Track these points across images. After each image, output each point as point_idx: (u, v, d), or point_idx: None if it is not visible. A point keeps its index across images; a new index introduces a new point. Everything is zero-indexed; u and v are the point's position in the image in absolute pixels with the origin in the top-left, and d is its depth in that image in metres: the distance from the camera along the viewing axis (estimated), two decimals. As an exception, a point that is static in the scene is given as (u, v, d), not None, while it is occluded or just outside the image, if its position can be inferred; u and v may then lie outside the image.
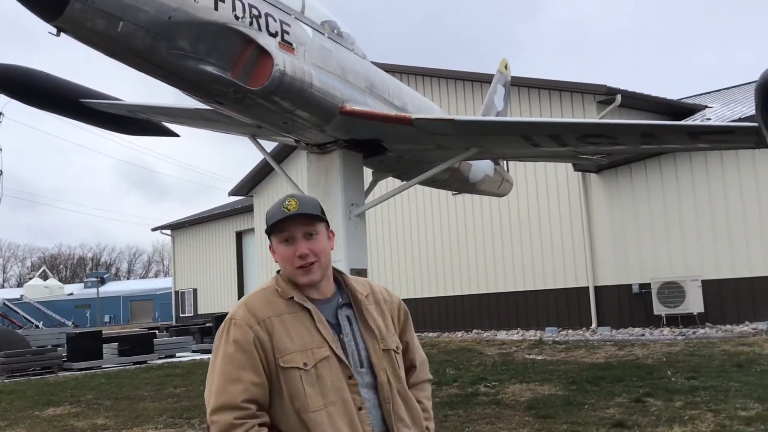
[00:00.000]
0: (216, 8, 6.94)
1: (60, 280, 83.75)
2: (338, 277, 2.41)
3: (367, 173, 11.13)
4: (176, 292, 35.73)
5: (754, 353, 11.05)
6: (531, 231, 18.80)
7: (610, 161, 16.18)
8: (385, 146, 9.95)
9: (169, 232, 36.57)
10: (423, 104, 11.06)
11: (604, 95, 16.93)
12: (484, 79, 18.35)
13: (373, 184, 11.81)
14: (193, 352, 18.96)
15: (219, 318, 20.04)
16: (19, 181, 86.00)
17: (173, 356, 17.88)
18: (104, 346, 16.55)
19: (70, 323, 47.68)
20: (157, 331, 22.17)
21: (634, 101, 17.49)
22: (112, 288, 73.52)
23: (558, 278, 18.17)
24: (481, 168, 12.86)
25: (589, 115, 17.27)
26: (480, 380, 10.37)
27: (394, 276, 22.36)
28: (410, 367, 2.45)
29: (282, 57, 7.64)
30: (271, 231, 2.29)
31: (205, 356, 17.37)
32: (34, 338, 20.48)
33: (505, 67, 15.33)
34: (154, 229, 37.81)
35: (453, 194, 19.42)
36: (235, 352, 2.15)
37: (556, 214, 18.25)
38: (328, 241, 2.33)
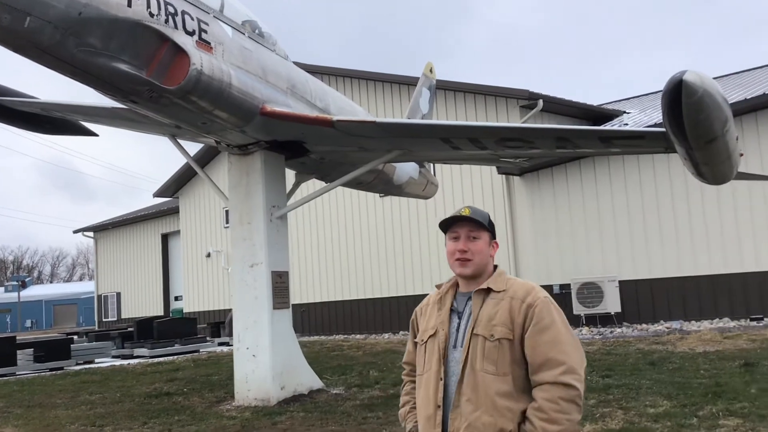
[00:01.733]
0: (129, 5, 6.78)
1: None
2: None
3: (290, 175, 11.06)
4: (99, 296, 34.73)
5: (667, 351, 11.40)
6: (457, 233, 18.95)
7: (532, 164, 16.50)
8: (307, 148, 9.90)
9: (91, 234, 35.52)
10: (346, 106, 11.05)
11: (527, 100, 17.27)
12: (411, 82, 18.45)
13: (295, 186, 11.73)
14: (114, 357, 18.40)
15: (142, 322, 19.53)
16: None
17: (92, 362, 17.37)
18: (18, 352, 15.97)
19: (-13, 329, 45.94)
20: (75, 336, 21.49)
21: (556, 106, 17.90)
22: (34, 292, 71.00)
23: (483, 280, 18.40)
24: (406, 170, 12.94)
25: (512, 119, 17.58)
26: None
27: (321, 278, 22.26)
28: (529, 367, 2.59)
29: (199, 56, 7.52)
30: (445, 230, 2.90)
31: (125, 362, 16.91)
32: (-55, 345, 19.57)
33: (431, 71, 15.47)
34: (75, 231, 36.68)
35: (380, 196, 19.49)
36: (409, 328, 3.02)
37: (481, 217, 18.46)
38: (488, 248, 2.82)
